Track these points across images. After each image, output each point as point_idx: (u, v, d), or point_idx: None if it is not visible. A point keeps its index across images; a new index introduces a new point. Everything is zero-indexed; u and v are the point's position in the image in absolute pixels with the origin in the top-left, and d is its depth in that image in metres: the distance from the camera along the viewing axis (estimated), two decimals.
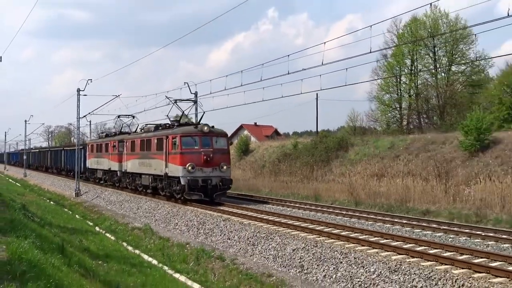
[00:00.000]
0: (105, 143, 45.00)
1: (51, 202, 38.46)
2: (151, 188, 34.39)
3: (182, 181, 28.41)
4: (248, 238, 20.60)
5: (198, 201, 28.84)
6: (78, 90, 47.46)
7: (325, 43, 24.87)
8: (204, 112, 33.70)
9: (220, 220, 24.11)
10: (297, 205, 29.83)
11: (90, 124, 79.09)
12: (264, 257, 18.49)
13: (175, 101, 33.48)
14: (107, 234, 25.08)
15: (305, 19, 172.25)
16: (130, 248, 21.85)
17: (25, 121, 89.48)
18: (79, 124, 50.70)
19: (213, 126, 30.19)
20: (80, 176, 51.44)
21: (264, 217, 24.04)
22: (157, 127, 35.01)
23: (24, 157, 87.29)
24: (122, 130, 47.23)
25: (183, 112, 33.47)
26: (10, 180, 63.58)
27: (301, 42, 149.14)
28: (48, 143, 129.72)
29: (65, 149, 65.08)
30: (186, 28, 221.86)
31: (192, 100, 34.00)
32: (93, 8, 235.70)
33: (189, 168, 28.02)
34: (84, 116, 54.04)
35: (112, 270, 15.79)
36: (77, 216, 31.93)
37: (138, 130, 42.43)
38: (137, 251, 21.09)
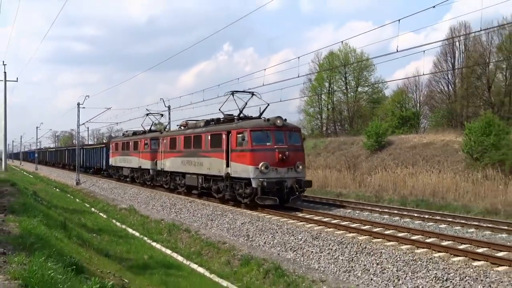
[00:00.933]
0: (134, 141, 34.32)
1: (57, 189, 37.23)
2: (199, 189, 24.19)
3: (254, 184, 18.82)
4: (208, 215, 20.46)
5: (270, 207, 19.30)
6: (78, 104, 46.79)
7: (265, 69, 25.24)
8: (268, 104, 23.07)
9: (187, 202, 23.86)
10: None
11: (88, 130, 78.69)
12: (220, 229, 18.40)
13: (232, 93, 22.93)
14: (100, 214, 24.51)
15: (252, 52, 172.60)
16: (118, 224, 21.42)
17: (37, 127, 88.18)
18: (78, 130, 49.92)
19: (285, 119, 20.58)
20: (102, 173, 46.12)
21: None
22: (208, 122, 24.36)
23: (36, 155, 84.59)
24: (151, 128, 36.05)
25: (246, 103, 22.91)
26: (24, 173, 61.36)
27: (249, 68, 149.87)
28: (55, 144, 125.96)
29: (84, 148, 54.34)
30: (163, 57, 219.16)
31: (250, 92, 23.17)
32: (92, 42, 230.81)
33: (262, 168, 18.60)
34: (83, 123, 54.28)
35: (104, 241, 15.48)
36: (77, 200, 31.05)
37: (169, 127, 35.60)
38: (123, 226, 20.70)
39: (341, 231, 14.70)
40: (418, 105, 52.16)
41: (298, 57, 21.74)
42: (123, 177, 37.71)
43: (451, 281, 9.91)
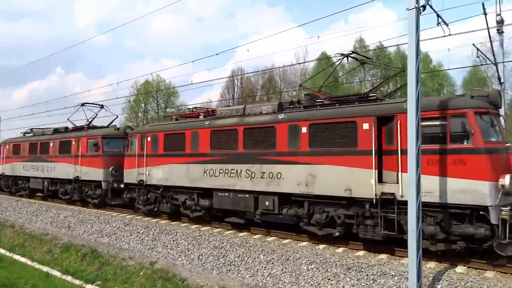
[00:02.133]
0: (60, 141, 18.40)
1: None
2: (258, 215, 10.81)
3: (493, 218, 7.03)
4: (33, 212, 17.88)
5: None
6: None
7: (89, 90, 23.42)
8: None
9: (13, 201, 20.43)
10: None
11: None
12: (44, 223, 16.24)
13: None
14: None
15: (81, 76, 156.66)
16: None
17: None
18: None
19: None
20: None
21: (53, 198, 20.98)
22: (281, 105, 10.85)
23: None
24: (90, 123, 18.91)
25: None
26: None
27: (78, 89, 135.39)
28: None
29: None
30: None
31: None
32: None
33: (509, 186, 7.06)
34: None
35: None
36: None
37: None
38: None
39: (147, 218, 14.31)
40: None
41: (117, 83, 20.91)
42: (28, 191, 21.03)
43: (223, 248, 10.58)
